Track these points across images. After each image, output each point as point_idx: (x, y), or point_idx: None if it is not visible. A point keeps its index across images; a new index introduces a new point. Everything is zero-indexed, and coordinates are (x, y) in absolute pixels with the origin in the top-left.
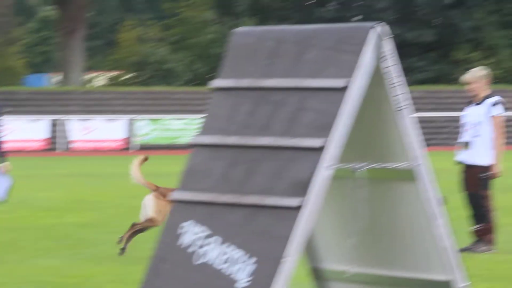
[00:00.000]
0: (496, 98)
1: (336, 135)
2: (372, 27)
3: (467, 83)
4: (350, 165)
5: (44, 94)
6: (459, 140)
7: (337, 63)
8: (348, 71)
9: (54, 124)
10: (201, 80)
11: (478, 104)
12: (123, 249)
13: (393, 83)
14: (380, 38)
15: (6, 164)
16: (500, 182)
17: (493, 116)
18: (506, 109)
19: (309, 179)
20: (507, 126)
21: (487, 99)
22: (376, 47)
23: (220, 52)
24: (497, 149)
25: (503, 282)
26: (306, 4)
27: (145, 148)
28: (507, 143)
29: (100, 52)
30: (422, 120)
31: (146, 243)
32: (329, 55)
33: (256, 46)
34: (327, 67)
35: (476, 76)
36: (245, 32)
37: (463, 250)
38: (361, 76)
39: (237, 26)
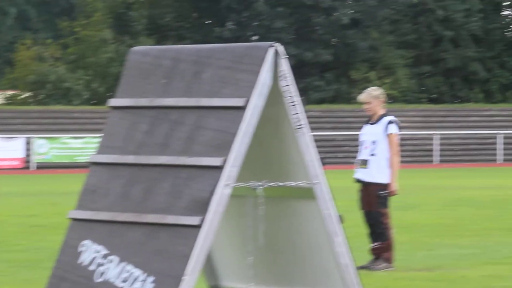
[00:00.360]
0: (391, 117)
1: (234, 154)
2: (268, 47)
3: (363, 103)
4: (249, 184)
5: None
6: (357, 159)
7: (234, 82)
8: (245, 90)
9: None
10: (99, 99)
11: (374, 123)
12: None
13: (291, 102)
14: (277, 58)
15: None
16: (397, 200)
17: (388, 134)
18: (402, 128)
19: (208, 198)
20: (403, 145)
21: (383, 118)
22: (273, 66)
23: (119, 71)
24: (393, 167)
25: None
26: (204, 23)
27: (44, 167)
28: (403, 162)
29: None
30: (320, 139)
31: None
32: (226, 74)
33: (153, 65)
34: (224, 86)
35: (371, 95)
36: (142, 51)
37: (362, 267)
38: (258, 95)
39: (135, 45)
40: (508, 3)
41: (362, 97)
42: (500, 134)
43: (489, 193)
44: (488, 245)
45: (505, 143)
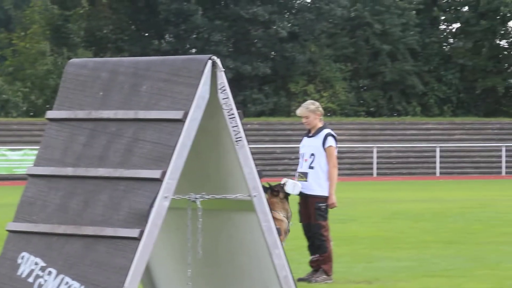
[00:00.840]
0: (329, 131)
1: (172, 166)
2: (207, 60)
3: (301, 116)
4: (188, 196)
5: None
6: (297, 171)
7: (172, 94)
8: (183, 103)
9: None
10: (38, 111)
11: (313, 136)
12: None
13: (230, 115)
14: (215, 70)
15: None
16: (336, 213)
17: (326, 148)
18: (340, 141)
19: (147, 210)
20: (342, 158)
21: (321, 131)
22: (211, 79)
23: (57, 83)
24: (332, 180)
25: None
26: (142, 36)
27: None
28: (342, 175)
29: None
30: (260, 152)
31: None
32: (164, 87)
33: (91, 78)
34: (162, 98)
35: (309, 109)
36: (80, 63)
37: (301, 279)
38: (196, 108)
39: (73, 57)
40: (444, 17)
41: (299, 111)
42: (438, 147)
43: (427, 205)
44: (425, 258)
45: (442, 156)
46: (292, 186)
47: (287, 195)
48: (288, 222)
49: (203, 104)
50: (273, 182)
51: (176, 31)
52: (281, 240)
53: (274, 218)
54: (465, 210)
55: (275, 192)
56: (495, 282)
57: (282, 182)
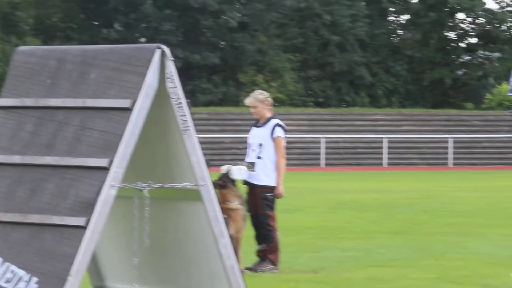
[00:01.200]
0: (277, 121)
1: (120, 155)
2: (155, 48)
3: (249, 106)
4: (135, 185)
5: None
6: (245, 161)
7: (120, 83)
8: (131, 91)
9: None
10: None
11: (261, 126)
12: None
13: (178, 104)
14: (163, 59)
15: None
16: (283, 203)
17: (275, 138)
18: (289, 131)
19: (94, 198)
20: (290, 148)
21: (270, 121)
22: (160, 68)
23: (5, 71)
24: (280, 170)
25: None
26: (91, 24)
27: None
28: (290, 165)
29: None
30: (208, 141)
31: None
32: (112, 76)
33: (39, 65)
34: (110, 87)
35: (257, 99)
36: (28, 51)
37: (248, 269)
38: (144, 97)
39: (21, 45)
40: (394, 9)
41: (247, 101)
42: (385, 138)
43: (374, 196)
44: (371, 248)
45: (390, 147)
46: (238, 172)
47: (234, 182)
48: (243, 207)
49: (152, 93)
50: (218, 172)
51: (126, 20)
52: (241, 228)
53: (231, 209)
54: (412, 201)
55: (222, 183)
56: (440, 272)
57: (224, 171)
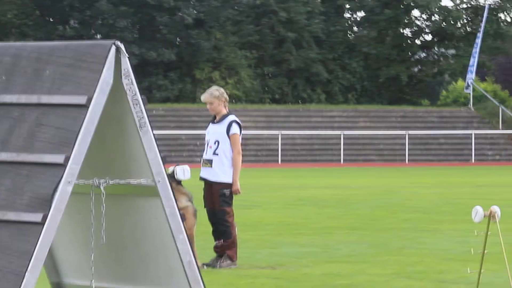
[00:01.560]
0: (233, 117)
1: (76, 151)
2: (110, 45)
3: (206, 102)
4: (91, 181)
5: None
6: (202, 158)
7: (75, 79)
8: (87, 88)
9: None
10: None
11: (217, 123)
12: None
13: (134, 100)
14: (119, 56)
15: None
16: (241, 199)
17: (231, 135)
18: (246, 128)
19: (50, 194)
20: (247, 145)
21: (226, 118)
22: (115, 64)
23: None
24: (236, 166)
25: None
26: (47, 21)
27: None
28: (248, 161)
29: None
30: (165, 138)
31: None
32: (67, 72)
33: None
34: (66, 83)
35: (213, 95)
36: None
37: (205, 265)
38: (100, 93)
39: None
40: (349, 6)
41: (203, 97)
42: (342, 134)
43: (332, 192)
44: (329, 244)
45: (346, 144)
46: (182, 172)
47: (179, 182)
48: (192, 203)
49: (107, 89)
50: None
51: (81, 17)
52: (193, 224)
53: (179, 208)
54: (369, 197)
55: None
56: (398, 268)
57: (169, 171)
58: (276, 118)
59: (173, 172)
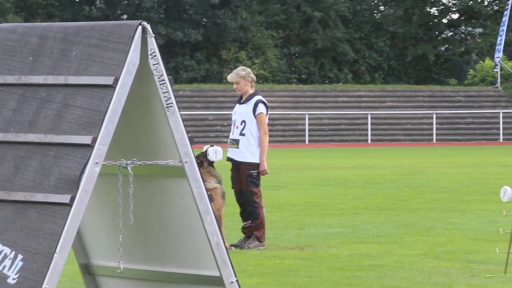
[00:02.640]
0: (259, 97)
1: (103, 132)
2: (137, 25)
3: (232, 82)
4: (118, 162)
5: None
6: (229, 138)
7: (102, 60)
8: (113, 68)
9: None
10: None
11: (244, 103)
12: None
13: (161, 81)
14: (145, 36)
15: None
16: (268, 179)
17: (257, 115)
18: (273, 108)
19: (78, 176)
20: (274, 125)
21: (252, 98)
22: (142, 45)
23: None
24: (263, 147)
25: (272, 276)
26: (73, 2)
27: None
28: (275, 142)
29: None
30: (192, 118)
31: None
32: (94, 53)
33: (20, 43)
34: (92, 64)
35: (239, 75)
36: (9, 28)
37: (234, 246)
38: (126, 74)
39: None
40: None
41: (229, 77)
42: (369, 114)
43: (359, 172)
44: (356, 224)
45: (373, 124)
46: (214, 153)
47: (211, 162)
48: (221, 186)
49: (134, 70)
50: (201, 149)
51: None
52: (221, 205)
53: (208, 188)
54: (396, 177)
55: (198, 162)
56: (425, 248)
57: (204, 149)
58: (303, 98)
59: (206, 151)
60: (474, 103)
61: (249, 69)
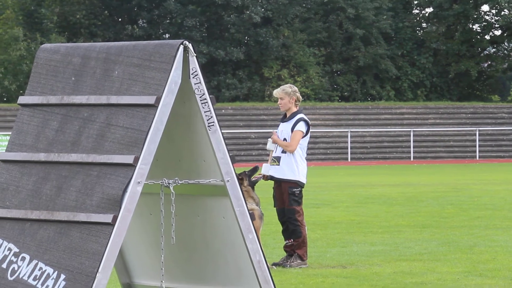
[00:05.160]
0: (301, 115)
1: (145, 151)
2: (178, 44)
3: (277, 98)
4: (161, 181)
5: None
6: (271, 156)
7: (144, 79)
8: (155, 88)
9: None
10: (11, 96)
11: (286, 121)
12: None
13: (203, 100)
14: (187, 55)
15: None
16: (310, 197)
17: (294, 130)
18: (315, 126)
19: (120, 195)
20: (316, 143)
21: (294, 116)
22: (183, 64)
23: (30, 69)
24: (283, 143)
25: None
26: (115, 21)
27: None
28: (317, 159)
29: None
30: (234, 137)
31: None
32: (135, 72)
33: (62, 63)
34: (134, 84)
35: (284, 91)
36: (52, 48)
37: (275, 264)
38: (168, 93)
39: (46, 42)
40: (417, 2)
41: (275, 92)
42: (412, 131)
43: (401, 190)
44: (399, 242)
45: (416, 141)
46: (265, 168)
47: (252, 183)
48: (259, 207)
49: (175, 89)
50: (247, 167)
51: (149, 16)
52: (258, 227)
53: None
54: (439, 194)
55: (239, 180)
56: (469, 266)
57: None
58: (345, 116)
59: (251, 170)
60: None
61: (296, 88)
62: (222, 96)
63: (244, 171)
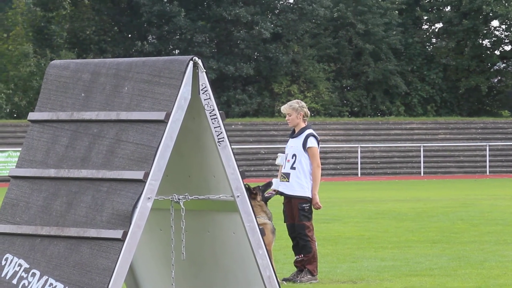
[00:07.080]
0: (310, 131)
1: (155, 167)
2: (188, 60)
3: (285, 114)
4: (171, 197)
5: None
6: (280, 172)
7: (153, 95)
8: (165, 103)
9: None
10: (21, 112)
11: (295, 136)
12: None
13: (212, 116)
14: (196, 71)
15: None
16: (320, 213)
17: (308, 148)
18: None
19: (130, 211)
20: (326, 158)
21: (303, 132)
22: (193, 79)
23: (40, 85)
24: (315, 180)
25: None
26: (125, 37)
27: None
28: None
29: None
30: (244, 152)
31: None
32: (145, 88)
33: (72, 79)
34: (144, 100)
35: (292, 107)
36: (61, 64)
37: (286, 280)
38: (178, 109)
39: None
40: (427, 17)
41: (283, 108)
42: (422, 147)
43: (411, 205)
44: (409, 257)
45: (426, 156)
46: (275, 183)
47: (266, 199)
48: (271, 222)
49: (185, 105)
50: (257, 182)
51: (159, 33)
52: (270, 241)
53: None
54: (449, 209)
55: (253, 195)
56: (479, 281)
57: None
58: (355, 131)
59: (265, 186)
60: None
61: (303, 103)
62: (232, 111)
63: (258, 186)
